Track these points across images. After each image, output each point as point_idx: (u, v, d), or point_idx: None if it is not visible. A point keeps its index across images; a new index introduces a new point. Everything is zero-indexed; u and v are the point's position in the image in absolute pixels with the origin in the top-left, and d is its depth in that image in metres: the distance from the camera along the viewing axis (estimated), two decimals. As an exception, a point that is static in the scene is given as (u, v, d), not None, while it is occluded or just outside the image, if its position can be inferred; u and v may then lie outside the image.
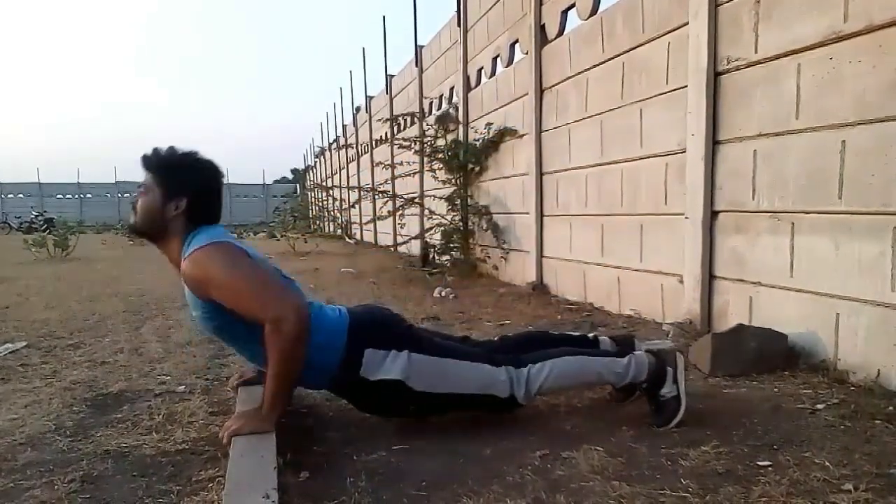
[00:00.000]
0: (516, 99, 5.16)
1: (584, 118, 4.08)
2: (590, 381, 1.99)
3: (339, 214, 15.84)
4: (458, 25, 6.50)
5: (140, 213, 1.83)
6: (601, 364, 1.91)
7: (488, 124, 5.64)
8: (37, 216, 21.64)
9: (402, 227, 7.95)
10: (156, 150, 1.85)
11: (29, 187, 36.20)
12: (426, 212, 6.72)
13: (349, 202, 13.84)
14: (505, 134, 5.38)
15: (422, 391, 1.79)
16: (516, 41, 5.17)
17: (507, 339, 2.19)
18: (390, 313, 2.00)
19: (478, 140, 5.82)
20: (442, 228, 6.23)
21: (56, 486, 1.52)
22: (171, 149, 1.86)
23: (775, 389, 2.19)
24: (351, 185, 13.93)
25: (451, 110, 6.90)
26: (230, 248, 1.74)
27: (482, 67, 6.05)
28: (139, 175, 1.84)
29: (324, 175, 21.17)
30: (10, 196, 35.31)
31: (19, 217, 25.26)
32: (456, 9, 6.56)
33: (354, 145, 14.08)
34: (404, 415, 1.93)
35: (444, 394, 1.82)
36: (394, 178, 9.43)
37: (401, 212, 7.09)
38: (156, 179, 1.82)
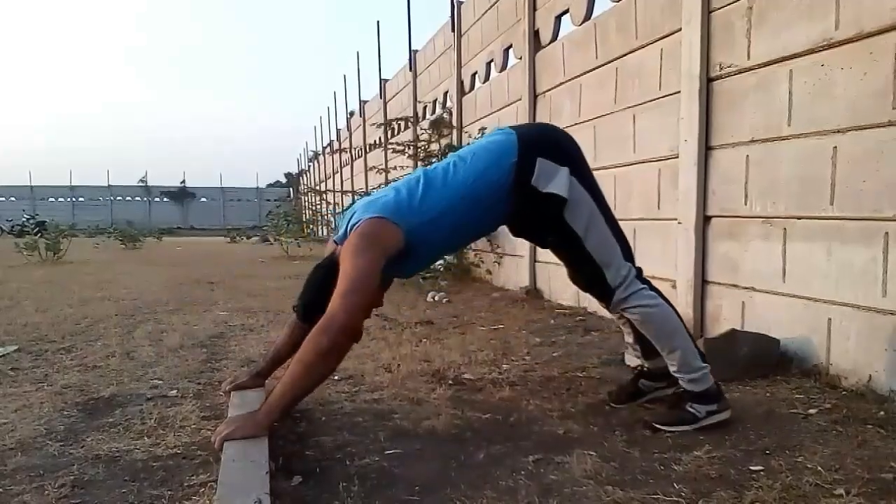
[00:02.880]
0: (510, 104, 5.17)
1: (577, 123, 4.09)
2: (669, 344, 1.90)
3: (332, 218, 15.82)
4: (453, 30, 6.52)
5: None
6: (688, 344, 1.89)
7: (482, 129, 5.65)
8: (28, 219, 21.48)
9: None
10: None
11: (21, 190, 36.07)
12: (420, 216, 6.70)
13: (343, 206, 13.85)
14: (499, 139, 5.38)
15: (568, 224, 1.84)
16: (510, 46, 5.19)
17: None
18: (566, 135, 2.00)
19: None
20: (435, 233, 6.21)
21: (46, 492, 1.51)
22: None
23: (768, 394, 2.20)
24: (345, 189, 13.95)
25: (445, 115, 6.91)
26: (377, 229, 1.76)
27: (476, 72, 6.06)
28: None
29: (317, 179, 21.16)
30: (1, 199, 35.13)
31: (11, 220, 25.10)
32: (450, 14, 6.58)
33: (348, 149, 14.10)
34: (543, 241, 2.07)
35: (580, 239, 1.86)
36: (387, 182, 9.43)
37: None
38: None
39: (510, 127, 1.96)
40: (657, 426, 1.85)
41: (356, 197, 8.56)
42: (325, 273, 1.84)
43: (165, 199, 38.73)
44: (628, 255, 1.94)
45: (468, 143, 5.94)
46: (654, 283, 2.02)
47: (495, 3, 5.40)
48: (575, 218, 1.85)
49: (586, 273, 1.94)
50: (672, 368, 1.91)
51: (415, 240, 1.79)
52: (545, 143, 1.88)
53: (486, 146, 1.90)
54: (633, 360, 2.18)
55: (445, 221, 1.82)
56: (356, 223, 1.80)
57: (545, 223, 1.90)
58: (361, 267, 1.70)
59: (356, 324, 1.69)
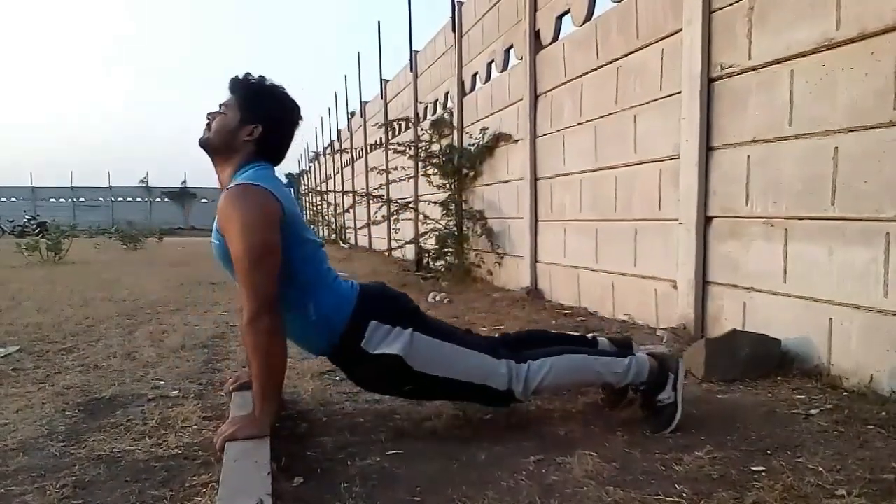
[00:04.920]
0: (511, 104, 5.17)
1: (578, 123, 4.09)
2: (589, 380, 1.96)
3: (333, 219, 15.83)
4: (453, 31, 6.52)
5: (215, 129, 1.85)
6: (601, 364, 1.90)
7: (483, 129, 5.66)
8: (30, 220, 21.54)
9: (396, 232, 7.95)
10: (246, 75, 1.88)
11: (22, 191, 36.06)
12: (421, 216, 6.72)
13: (343, 206, 13.85)
14: (500, 139, 5.40)
15: (420, 371, 1.79)
16: (511, 47, 5.18)
17: (507, 337, 2.16)
18: (400, 293, 1.99)
19: (472, 145, 5.83)
20: (436, 233, 6.23)
21: (48, 492, 1.51)
22: (261, 77, 1.88)
23: (769, 395, 2.19)
24: (345, 189, 13.95)
25: (445, 115, 6.91)
26: (261, 200, 1.70)
27: (477, 73, 6.06)
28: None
29: (318, 180, 21.17)
30: (2, 200, 35.14)
31: (12, 221, 25.11)
32: (451, 14, 6.57)
33: (349, 150, 14.10)
34: (397, 393, 1.95)
35: (441, 377, 1.81)
36: (388, 182, 9.45)
37: (395, 216, 7.11)
38: (238, 101, 1.85)
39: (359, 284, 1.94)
40: (657, 434, 1.85)
41: (357, 197, 8.55)
42: None
43: (166, 200, 38.70)
44: (493, 350, 1.89)
45: (468, 145, 5.95)
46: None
47: (496, 3, 5.40)
48: (429, 365, 1.81)
49: (479, 397, 1.90)
50: (616, 388, 1.95)
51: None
52: (383, 305, 1.88)
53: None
54: None
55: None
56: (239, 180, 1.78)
57: (396, 380, 1.86)
58: (249, 241, 1.65)
59: (265, 295, 1.65)
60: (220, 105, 1.88)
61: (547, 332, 2.45)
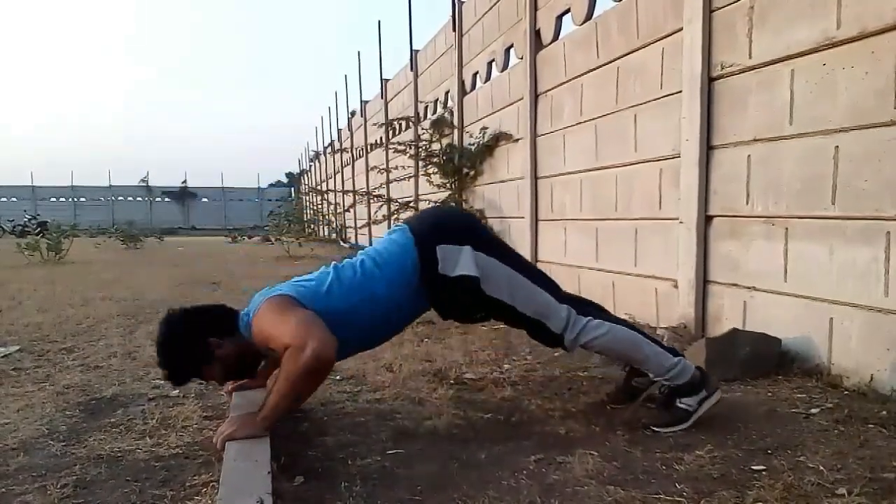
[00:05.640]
0: (511, 103, 5.17)
1: (578, 123, 4.09)
2: (636, 358, 1.95)
3: (333, 218, 15.82)
4: (454, 30, 6.52)
5: (226, 378, 1.99)
6: (652, 350, 1.92)
7: (483, 129, 5.66)
8: (30, 220, 21.52)
9: (396, 232, 7.92)
10: (158, 363, 1.92)
11: (22, 190, 36.07)
12: (421, 216, 6.70)
13: (344, 206, 13.85)
14: (500, 138, 5.39)
15: (490, 296, 1.86)
16: (511, 46, 5.18)
17: (567, 293, 2.14)
18: (457, 212, 2.04)
19: (473, 144, 5.83)
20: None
21: (49, 492, 1.51)
22: (159, 345, 1.90)
23: (769, 394, 2.19)
24: (346, 189, 13.95)
25: (446, 115, 6.91)
26: (276, 299, 1.80)
27: (477, 72, 6.06)
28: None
29: (319, 179, 21.17)
30: (2, 199, 35.15)
31: (12, 220, 25.11)
32: (451, 14, 6.57)
33: (350, 149, 14.10)
34: (471, 320, 2.08)
35: (508, 305, 1.88)
36: (388, 182, 9.44)
37: (396, 216, 7.11)
38: (177, 370, 1.90)
39: (405, 221, 2.01)
40: (656, 429, 1.85)
41: (357, 197, 8.55)
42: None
43: (167, 199, 38.69)
44: (560, 296, 1.95)
45: (468, 144, 5.94)
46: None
47: (496, 2, 5.40)
48: (495, 288, 1.87)
49: (532, 330, 1.97)
50: (651, 376, 1.96)
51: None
52: (439, 230, 1.92)
53: (388, 251, 1.93)
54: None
55: (352, 320, 1.83)
56: (256, 307, 1.81)
57: (470, 303, 1.91)
58: (298, 316, 1.71)
59: (318, 337, 1.64)
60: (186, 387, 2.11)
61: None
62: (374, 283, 1.86)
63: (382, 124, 8.04)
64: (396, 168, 7.99)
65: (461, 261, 1.82)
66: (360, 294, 1.85)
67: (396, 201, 7.25)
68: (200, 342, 1.84)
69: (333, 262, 1.98)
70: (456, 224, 1.97)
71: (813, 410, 1.98)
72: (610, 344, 1.93)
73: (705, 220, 2.93)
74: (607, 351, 2.00)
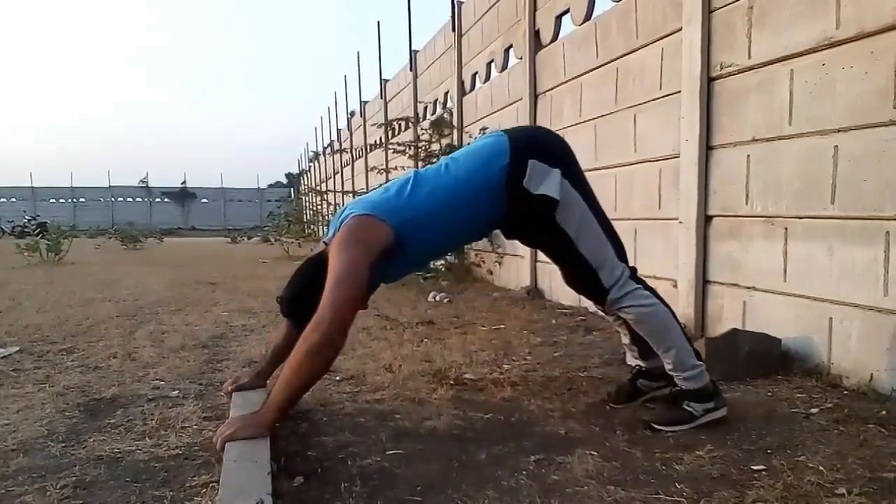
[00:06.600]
0: (511, 104, 5.17)
1: (578, 123, 4.09)
2: (665, 344, 1.91)
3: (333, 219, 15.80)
4: (453, 30, 6.52)
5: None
6: (683, 343, 1.90)
7: (483, 129, 5.64)
8: (29, 220, 21.54)
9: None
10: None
11: (21, 191, 36.09)
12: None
13: (344, 206, 13.83)
14: (500, 139, 5.38)
15: (559, 225, 1.86)
16: (510, 46, 5.19)
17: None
18: (558, 137, 2.03)
19: (472, 145, 5.82)
20: (436, 233, 6.21)
21: (48, 493, 1.51)
22: None
23: (769, 394, 2.19)
24: (345, 189, 13.95)
25: (445, 115, 6.91)
26: (353, 222, 1.80)
27: (477, 72, 6.06)
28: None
29: (318, 179, 21.17)
30: (2, 200, 35.18)
31: (12, 221, 25.13)
32: (450, 14, 6.58)
33: (349, 150, 14.11)
34: (535, 243, 2.19)
35: (572, 240, 1.88)
36: (388, 182, 9.41)
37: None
38: None
39: (502, 130, 1.98)
40: (655, 426, 1.85)
41: (357, 197, 8.55)
42: (312, 266, 1.89)
43: (166, 200, 38.70)
44: (622, 255, 1.95)
45: (468, 143, 5.95)
46: (656, 282, 2.02)
47: (496, 3, 5.40)
48: (567, 219, 1.86)
49: (580, 274, 1.96)
50: (668, 367, 1.92)
51: (404, 237, 1.80)
52: (537, 146, 1.90)
53: (479, 149, 1.92)
54: (633, 360, 2.18)
55: (435, 220, 1.83)
56: (345, 219, 1.83)
57: (537, 224, 1.91)
58: (347, 261, 1.71)
59: (344, 317, 1.68)
60: None
61: None
62: (456, 182, 1.85)
63: (382, 125, 8.04)
64: (396, 168, 7.97)
65: (547, 181, 1.81)
66: (440, 199, 1.84)
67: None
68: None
69: (414, 170, 1.98)
70: (554, 147, 1.94)
71: (813, 410, 1.98)
72: (648, 318, 1.91)
73: (705, 220, 2.93)
74: (640, 324, 1.94)
